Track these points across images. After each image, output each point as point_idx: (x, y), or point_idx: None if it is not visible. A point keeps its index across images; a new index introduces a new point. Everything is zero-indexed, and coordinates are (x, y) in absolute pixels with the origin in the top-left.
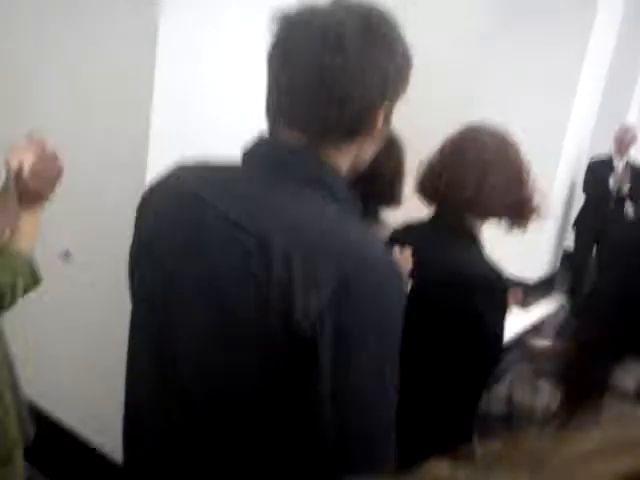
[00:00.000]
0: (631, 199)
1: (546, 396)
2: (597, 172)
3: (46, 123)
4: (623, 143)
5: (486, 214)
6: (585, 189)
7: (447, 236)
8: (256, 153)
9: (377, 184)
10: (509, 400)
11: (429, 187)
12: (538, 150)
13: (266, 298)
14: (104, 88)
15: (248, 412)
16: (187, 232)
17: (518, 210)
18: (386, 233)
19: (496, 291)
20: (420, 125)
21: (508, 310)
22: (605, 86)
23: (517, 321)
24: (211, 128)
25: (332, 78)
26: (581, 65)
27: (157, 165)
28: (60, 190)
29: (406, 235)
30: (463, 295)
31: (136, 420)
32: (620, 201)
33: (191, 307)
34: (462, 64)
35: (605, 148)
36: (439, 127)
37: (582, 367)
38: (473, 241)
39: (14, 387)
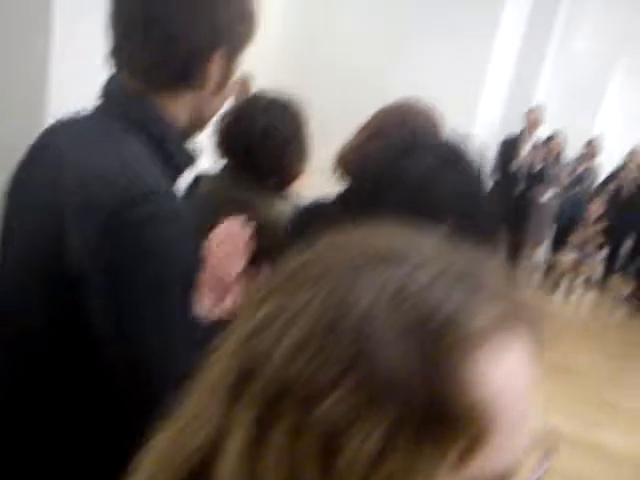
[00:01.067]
0: (538, 179)
1: None
2: (507, 152)
3: None
4: (532, 123)
5: None
6: (493, 171)
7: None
8: (101, 92)
9: (269, 155)
10: None
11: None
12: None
13: (46, 228)
14: None
15: (37, 357)
16: (28, 167)
17: None
18: (289, 211)
19: None
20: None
21: None
22: (514, 66)
23: None
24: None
25: (157, 18)
26: (491, 46)
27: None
28: None
29: (313, 217)
30: None
31: None
32: (529, 181)
33: (13, 241)
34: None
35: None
36: (351, 103)
37: None
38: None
39: None
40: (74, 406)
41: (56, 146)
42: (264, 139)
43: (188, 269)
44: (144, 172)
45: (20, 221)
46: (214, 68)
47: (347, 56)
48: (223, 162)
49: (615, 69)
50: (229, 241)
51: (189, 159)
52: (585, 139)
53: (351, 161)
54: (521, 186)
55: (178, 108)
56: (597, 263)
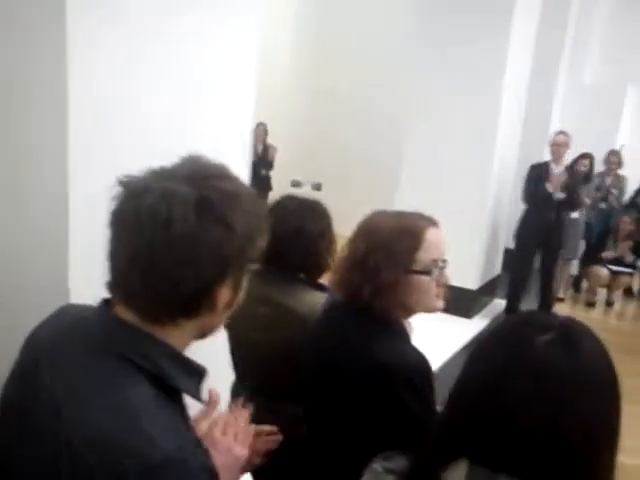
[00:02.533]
0: (569, 205)
1: None
2: (536, 178)
3: None
4: (558, 148)
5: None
6: (525, 196)
7: (361, 325)
8: (94, 322)
9: (300, 252)
10: None
11: (337, 282)
12: (470, 165)
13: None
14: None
15: None
16: (24, 390)
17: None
18: (321, 302)
19: (416, 377)
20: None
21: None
22: (527, 99)
23: (461, 332)
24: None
25: (160, 256)
26: (501, 82)
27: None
28: None
29: (329, 320)
30: (385, 387)
31: None
32: (561, 206)
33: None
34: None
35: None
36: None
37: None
38: (386, 328)
39: None
40: None
41: (51, 392)
42: (295, 237)
43: None
44: (144, 430)
45: (18, 453)
46: (222, 296)
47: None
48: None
49: (627, 95)
50: (233, 428)
51: (197, 379)
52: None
53: (348, 280)
54: (553, 209)
55: (181, 335)
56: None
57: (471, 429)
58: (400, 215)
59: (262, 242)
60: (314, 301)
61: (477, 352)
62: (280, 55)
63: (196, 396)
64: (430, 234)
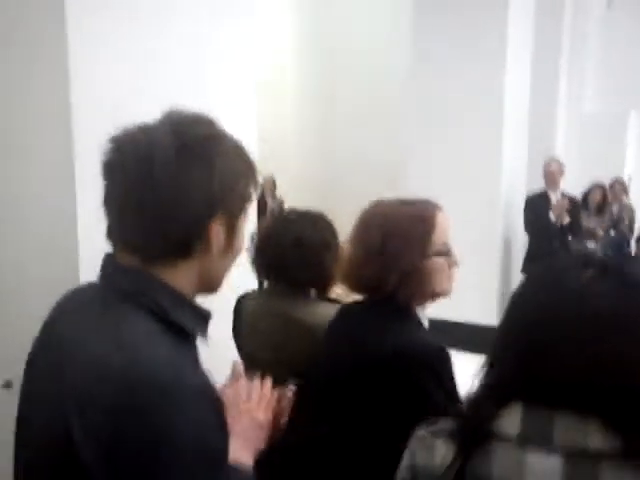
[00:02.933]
0: (571, 231)
1: (442, 452)
2: (535, 207)
3: None
4: (553, 175)
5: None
6: (527, 227)
7: (380, 318)
8: (100, 272)
9: (303, 264)
10: (412, 466)
11: (351, 281)
12: (477, 193)
13: (52, 420)
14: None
15: None
16: (38, 350)
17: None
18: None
19: (436, 363)
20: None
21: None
22: (530, 119)
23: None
24: None
25: (148, 198)
26: (502, 111)
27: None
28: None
29: (344, 317)
30: (405, 375)
31: None
32: (564, 233)
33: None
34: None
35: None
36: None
37: (474, 417)
38: (406, 318)
39: None
40: None
41: (59, 331)
42: (297, 249)
43: (212, 444)
44: (145, 354)
45: (30, 409)
46: (214, 235)
47: None
48: (263, 279)
49: (628, 122)
50: (255, 394)
51: (201, 321)
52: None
53: (357, 277)
54: (556, 237)
55: (181, 277)
56: None
57: (523, 369)
58: (407, 202)
59: (250, 188)
60: (326, 312)
61: (518, 295)
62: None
63: (202, 334)
64: (440, 218)
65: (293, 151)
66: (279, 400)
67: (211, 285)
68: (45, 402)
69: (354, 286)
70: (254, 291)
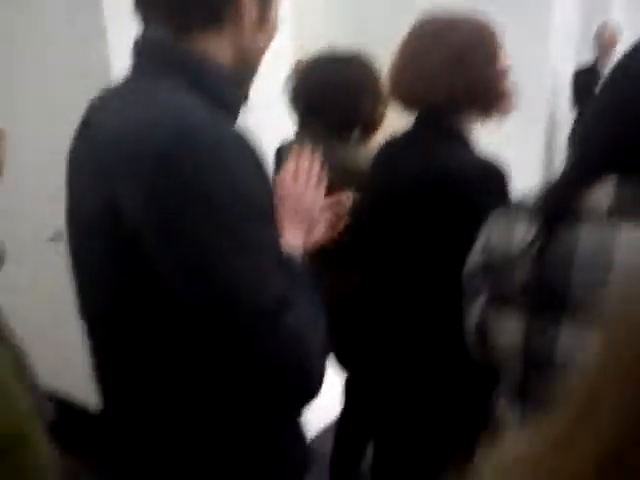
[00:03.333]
0: None
1: (521, 232)
2: (584, 82)
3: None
4: (605, 43)
5: (469, 107)
6: (575, 102)
7: (432, 140)
8: (133, 51)
9: (340, 103)
10: (486, 247)
11: (404, 91)
12: (524, 66)
13: (94, 187)
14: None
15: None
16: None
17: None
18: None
19: (495, 178)
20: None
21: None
22: None
23: None
24: None
25: None
26: None
27: None
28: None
29: (389, 147)
30: (459, 192)
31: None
32: None
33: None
34: None
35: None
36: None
37: (559, 194)
38: (461, 141)
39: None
40: (166, 364)
41: (98, 108)
42: (332, 89)
43: (257, 196)
44: (188, 113)
45: (74, 194)
46: (245, 8)
47: None
48: (301, 122)
49: None
50: (303, 174)
51: (239, 97)
52: None
53: (408, 91)
54: None
55: (215, 49)
56: None
57: (620, 141)
58: (469, 15)
59: None
60: (361, 154)
61: (617, 70)
62: None
63: (236, 115)
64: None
65: None
66: (338, 203)
67: (246, 59)
68: (87, 174)
69: (409, 101)
70: (291, 139)
